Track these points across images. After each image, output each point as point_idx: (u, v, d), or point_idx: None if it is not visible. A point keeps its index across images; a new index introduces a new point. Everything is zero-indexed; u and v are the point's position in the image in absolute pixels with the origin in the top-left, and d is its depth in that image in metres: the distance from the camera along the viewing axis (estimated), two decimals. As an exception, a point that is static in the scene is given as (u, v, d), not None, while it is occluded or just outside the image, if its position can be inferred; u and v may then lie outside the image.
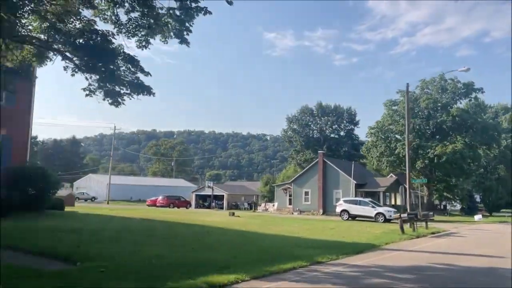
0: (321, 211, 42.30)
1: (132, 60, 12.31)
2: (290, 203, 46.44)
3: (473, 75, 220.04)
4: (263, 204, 50.17)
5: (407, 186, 27.31)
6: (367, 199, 32.68)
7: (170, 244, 11.84)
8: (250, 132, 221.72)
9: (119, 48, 13.12)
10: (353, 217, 31.16)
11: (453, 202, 63.36)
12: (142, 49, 13.65)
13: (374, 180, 43.58)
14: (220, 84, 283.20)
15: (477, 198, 71.01)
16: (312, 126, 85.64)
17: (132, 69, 12.89)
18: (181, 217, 24.84)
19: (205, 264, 8.63)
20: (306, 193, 44.76)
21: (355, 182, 41.27)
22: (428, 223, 23.69)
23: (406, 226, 21.54)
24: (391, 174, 51.35)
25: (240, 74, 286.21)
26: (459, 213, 62.45)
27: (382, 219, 28.91)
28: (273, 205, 48.12)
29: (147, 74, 13.03)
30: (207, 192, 54.48)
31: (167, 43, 14.19)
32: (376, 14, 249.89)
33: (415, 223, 21.01)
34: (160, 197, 51.31)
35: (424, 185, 40.49)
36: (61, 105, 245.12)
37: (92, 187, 68.12)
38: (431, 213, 24.85)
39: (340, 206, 31.92)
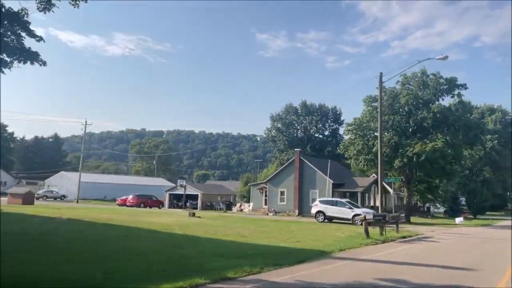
0: (297, 212, 40.01)
1: (14, 17, 9.77)
2: (266, 204, 44.09)
3: (463, 79, 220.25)
4: (238, 204, 47.74)
5: (378, 186, 25.15)
6: (344, 200, 30.41)
7: (47, 252, 9.36)
8: (240, 132, 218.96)
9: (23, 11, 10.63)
10: (329, 219, 28.86)
11: (437, 204, 61.67)
12: (45, 12, 11.20)
13: (353, 180, 41.50)
14: (211, 84, 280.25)
15: (463, 200, 69.59)
16: (296, 125, 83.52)
17: (21, 34, 10.35)
18: (127, 218, 22.25)
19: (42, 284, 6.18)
20: (282, 193, 42.44)
21: (332, 182, 39.09)
22: (404, 226, 21.67)
23: (376, 230, 19.38)
24: (374, 174, 49.38)
25: (232, 74, 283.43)
26: (443, 215, 60.88)
27: (360, 222, 26.66)
28: (249, 206, 45.74)
29: (39, 39, 10.53)
30: (182, 191, 51.85)
31: (78, 7, 11.78)
32: (368, 17, 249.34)
33: (383, 226, 18.77)
34: (130, 196, 48.55)
35: (405, 186, 38.44)
36: (49, 103, 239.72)
37: (63, 185, 64.94)
38: (402, 214, 22.67)
39: (315, 207, 29.58)
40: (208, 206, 49.43)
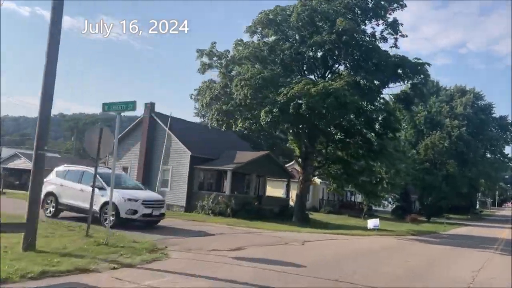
0: (138, 199, 25.06)
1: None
2: (113, 186, 29.17)
3: (448, 84, 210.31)
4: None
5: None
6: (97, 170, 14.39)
7: None
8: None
9: None
10: (68, 209, 13.67)
11: (385, 201, 47.37)
12: None
13: (231, 154, 26.65)
14: (190, 72, 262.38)
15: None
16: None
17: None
18: None
19: None
20: (125, 170, 27.49)
21: (191, 154, 24.42)
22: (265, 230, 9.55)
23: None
24: (294, 161, 35.10)
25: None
26: (390, 215, 47.23)
27: (112, 219, 11.86)
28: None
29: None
30: (20, 165, 36.60)
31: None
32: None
33: None
34: None
35: (300, 164, 24.01)
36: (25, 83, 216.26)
37: None
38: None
39: (46, 186, 13.51)
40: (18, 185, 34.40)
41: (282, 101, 17.36)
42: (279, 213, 25.72)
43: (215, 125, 20.59)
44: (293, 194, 30.92)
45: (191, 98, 21.45)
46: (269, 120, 18.07)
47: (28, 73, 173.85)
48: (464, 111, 59.34)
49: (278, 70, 20.44)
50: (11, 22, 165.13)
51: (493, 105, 63.62)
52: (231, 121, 20.51)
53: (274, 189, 34.27)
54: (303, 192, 23.75)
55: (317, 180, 40.38)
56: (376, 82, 19.82)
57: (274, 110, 17.74)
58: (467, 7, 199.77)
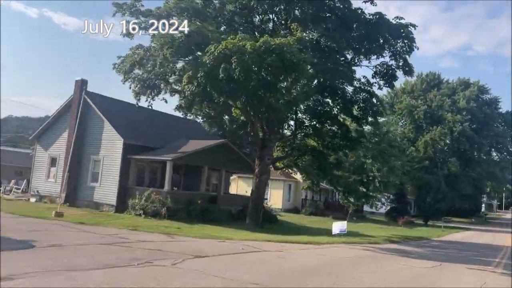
0: (64, 196, 20.56)
1: None
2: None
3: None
4: (11, 183, 27.86)
5: None
6: None
7: None
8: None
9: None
10: None
11: (379, 202, 42.41)
12: None
13: (182, 143, 22.00)
14: None
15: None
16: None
17: None
18: None
19: None
20: (54, 162, 23.06)
21: (124, 141, 19.87)
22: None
23: None
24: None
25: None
26: (384, 218, 42.47)
27: None
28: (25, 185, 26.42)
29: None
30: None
31: None
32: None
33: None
34: None
35: (257, 155, 19.35)
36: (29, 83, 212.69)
37: None
38: None
39: None
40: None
41: (208, 62, 12.72)
42: (238, 214, 21.17)
43: (135, 98, 15.98)
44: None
45: (113, 68, 16.78)
46: (193, 88, 13.43)
47: (30, 73, 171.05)
48: (468, 105, 54.01)
49: (221, 30, 15.86)
50: (19, 23, 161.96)
51: (499, 99, 58.22)
52: (154, 95, 15.85)
53: (250, 187, 29.71)
54: (259, 189, 19.05)
55: (299, 177, 35.74)
56: (343, 44, 15.10)
57: (198, 75, 13.11)
58: (474, 9, 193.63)
